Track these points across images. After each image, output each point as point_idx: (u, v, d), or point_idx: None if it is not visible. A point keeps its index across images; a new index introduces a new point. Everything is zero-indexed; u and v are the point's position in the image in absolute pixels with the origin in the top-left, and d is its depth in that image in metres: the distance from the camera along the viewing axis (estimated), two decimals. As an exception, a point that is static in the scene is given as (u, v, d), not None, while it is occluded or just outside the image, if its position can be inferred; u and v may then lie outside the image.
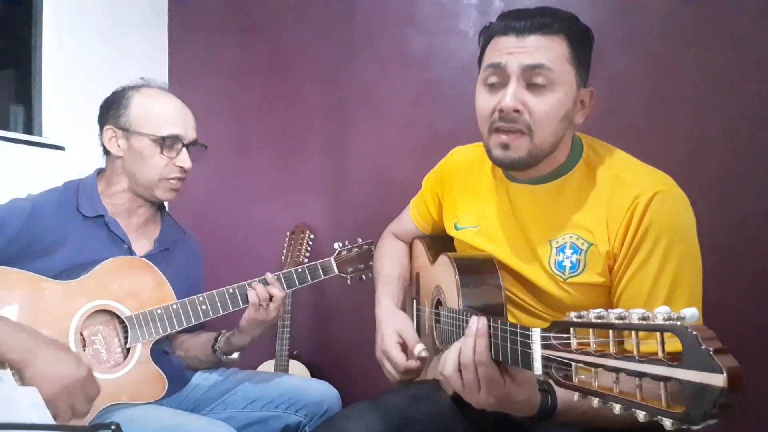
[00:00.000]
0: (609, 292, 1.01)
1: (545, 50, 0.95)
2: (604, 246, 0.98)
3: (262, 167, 2.37)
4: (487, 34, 1.03)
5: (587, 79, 1.03)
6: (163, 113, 1.35)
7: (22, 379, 1.09)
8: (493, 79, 0.99)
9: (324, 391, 1.46)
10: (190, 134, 1.38)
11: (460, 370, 0.86)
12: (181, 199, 2.40)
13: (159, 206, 1.48)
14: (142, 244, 1.39)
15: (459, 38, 2.05)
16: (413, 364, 1.12)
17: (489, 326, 0.83)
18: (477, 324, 0.84)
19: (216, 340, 1.43)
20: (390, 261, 1.39)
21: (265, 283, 1.38)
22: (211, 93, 2.42)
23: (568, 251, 1.01)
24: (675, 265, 0.93)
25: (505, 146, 0.99)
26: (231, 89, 2.41)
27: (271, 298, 1.35)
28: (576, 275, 1.01)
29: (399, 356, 1.13)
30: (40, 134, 2.00)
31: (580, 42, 0.99)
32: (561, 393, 0.85)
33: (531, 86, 0.96)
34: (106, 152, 1.38)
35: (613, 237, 0.97)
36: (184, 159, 1.36)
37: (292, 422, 1.40)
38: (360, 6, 2.21)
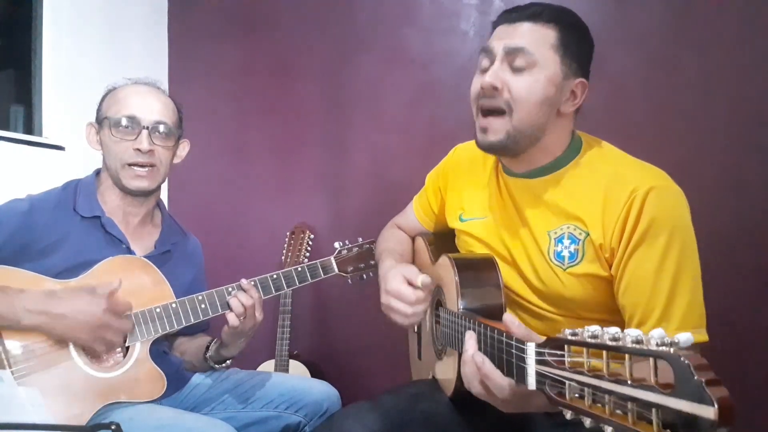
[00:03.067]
0: (609, 285, 1.01)
1: (529, 35, 1.02)
2: (599, 238, 0.99)
3: (262, 167, 2.37)
4: (492, 29, 1.10)
5: (582, 72, 1.06)
6: (121, 98, 1.34)
7: (53, 338, 1.17)
8: (484, 63, 1.06)
9: (324, 391, 1.46)
10: (151, 117, 1.32)
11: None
12: (181, 199, 2.42)
13: (158, 207, 1.47)
14: (142, 246, 1.39)
15: (459, 38, 2.05)
16: (421, 293, 1.09)
17: (480, 340, 0.87)
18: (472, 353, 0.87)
19: (207, 348, 1.42)
20: (394, 242, 1.39)
21: (241, 289, 1.33)
22: (211, 93, 2.42)
23: (567, 241, 1.03)
24: (675, 258, 0.94)
25: (484, 130, 1.05)
26: (231, 89, 2.41)
27: (246, 309, 1.31)
28: (575, 265, 1.02)
29: (407, 290, 1.09)
30: (40, 134, 2.00)
31: (571, 33, 1.03)
32: None
33: (513, 68, 1.01)
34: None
35: (609, 231, 0.98)
36: (139, 141, 1.30)
37: (292, 422, 1.40)
38: (360, 6, 2.21)
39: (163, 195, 2.40)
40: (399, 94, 2.15)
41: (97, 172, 1.41)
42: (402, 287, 1.10)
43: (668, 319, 0.93)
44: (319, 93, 2.28)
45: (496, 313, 1.05)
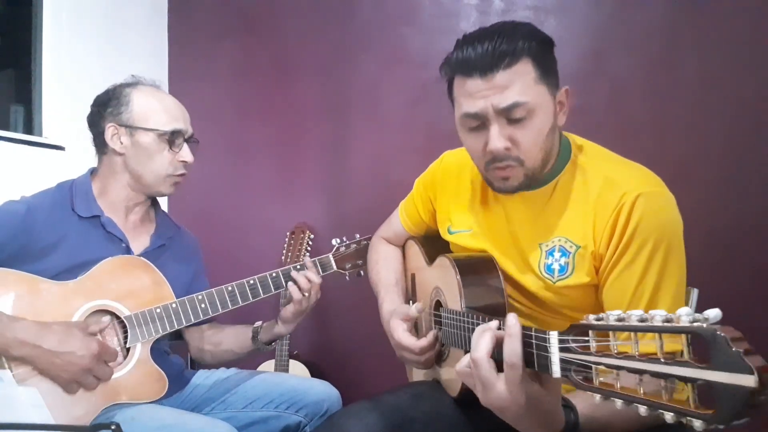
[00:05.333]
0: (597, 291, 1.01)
1: (514, 84, 0.94)
2: (590, 247, 0.98)
3: (262, 167, 2.37)
4: (450, 72, 1.04)
5: (558, 81, 1.02)
6: (165, 109, 1.36)
7: (39, 372, 1.14)
8: (472, 125, 1.00)
9: (324, 391, 1.46)
10: (189, 128, 1.40)
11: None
12: (181, 198, 2.42)
13: (153, 203, 1.48)
14: (139, 242, 1.39)
15: (459, 37, 2.04)
16: (424, 342, 1.11)
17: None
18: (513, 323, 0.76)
19: (255, 331, 1.45)
20: (386, 268, 1.39)
21: (303, 267, 1.41)
22: (211, 93, 2.42)
23: (557, 254, 1.02)
24: (659, 266, 0.93)
25: (505, 179, 1.01)
26: (231, 89, 2.41)
27: (310, 286, 1.40)
28: (565, 278, 1.01)
29: (410, 341, 1.12)
30: (40, 134, 2.00)
31: (543, 54, 0.97)
32: (580, 406, 0.84)
33: (513, 121, 0.96)
34: (101, 151, 1.38)
35: (599, 237, 0.97)
36: (186, 153, 1.37)
37: (292, 422, 1.40)
38: (360, 6, 2.21)
39: (163, 195, 2.41)
40: (399, 94, 2.15)
41: (91, 172, 1.41)
42: (405, 339, 1.12)
43: None
44: (319, 93, 2.28)
45: (499, 312, 1.04)
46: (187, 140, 1.38)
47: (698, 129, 1.76)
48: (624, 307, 0.94)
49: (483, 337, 0.78)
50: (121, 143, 1.34)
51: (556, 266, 1.02)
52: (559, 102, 1.02)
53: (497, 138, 0.96)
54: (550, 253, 1.03)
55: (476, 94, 0.96)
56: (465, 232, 1.18)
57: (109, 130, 1.34)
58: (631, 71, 1.84)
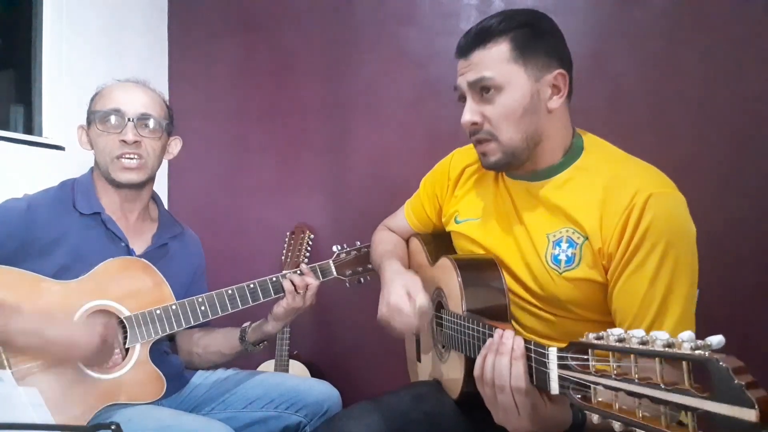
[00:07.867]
0: (604, 289, 1.00)
1: (484, 62, 1.03)
2: (597, 243, 0.98)
3: (262, 167, 2.36)
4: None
5: (557, 62, 1.04)
6: (104, 94, 1.36)
7: (42, 361, 1.15)
8: (459, 100, 1.09)
9: (324, 391, 1.46)
10: (137, 109, 1.34)
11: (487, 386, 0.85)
12: (181, 199, 2.42)
13: (154, 201, 1.48)
14: (141, 241, 1.39)
15: (459, 38, 2.04)
16: (423, 304, 1.10)
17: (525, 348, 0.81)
18: (512, 343, 0.82)
19: (243, 331, 1.44)
20: (391, 245, 1.39)
21: (301, 273, 1.42)
22: (211, 93, 2.42)
23: (564, 245, 1.02)
24: (670, 269, 0.93)
25: (483, 154, 1.08)
26: (231, 89, 2.41)
27: (306, 286, 1.41)
28: (571, 269, 1.01)
29: (409, 309, 1.10)
30: (40, 134, 2.00)
31: (524, 34, 1.02)
32: None
33: (484, 97, 1.04)
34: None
35: (609, 236, 0.96)
36: (125, 132, 1.31)
37: (292, 422, 1.40)
38: (360, 6, 2.21)
39: (164, 195, 2.41)
40: (399, 94, 2.15)
41: (93, 171, 1.41)
42: (404, 304, 1.10)
43: (658, 330, 0.92)
44: (319, 93, 2.27)
45: (501, 315, 1.04)
46: (135, 121, 1.32)
47: (699, 129, 1.76)
48: (634, 310, 0.94)
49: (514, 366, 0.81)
50: (86, 141, 1.38)
51: (563, 257, 1.02)
52: (553, 86, 1.03)
53: (466, 111, 1.05)
54: (558, 243, 1.03)
55: (459, 71, 1.08)
56: (473, 220, 1.19)
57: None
58: (631, 71, 1.83)
